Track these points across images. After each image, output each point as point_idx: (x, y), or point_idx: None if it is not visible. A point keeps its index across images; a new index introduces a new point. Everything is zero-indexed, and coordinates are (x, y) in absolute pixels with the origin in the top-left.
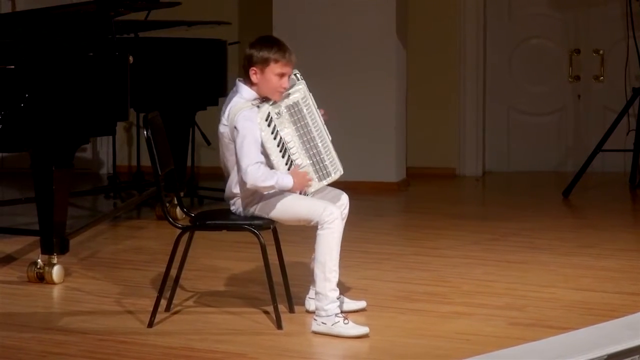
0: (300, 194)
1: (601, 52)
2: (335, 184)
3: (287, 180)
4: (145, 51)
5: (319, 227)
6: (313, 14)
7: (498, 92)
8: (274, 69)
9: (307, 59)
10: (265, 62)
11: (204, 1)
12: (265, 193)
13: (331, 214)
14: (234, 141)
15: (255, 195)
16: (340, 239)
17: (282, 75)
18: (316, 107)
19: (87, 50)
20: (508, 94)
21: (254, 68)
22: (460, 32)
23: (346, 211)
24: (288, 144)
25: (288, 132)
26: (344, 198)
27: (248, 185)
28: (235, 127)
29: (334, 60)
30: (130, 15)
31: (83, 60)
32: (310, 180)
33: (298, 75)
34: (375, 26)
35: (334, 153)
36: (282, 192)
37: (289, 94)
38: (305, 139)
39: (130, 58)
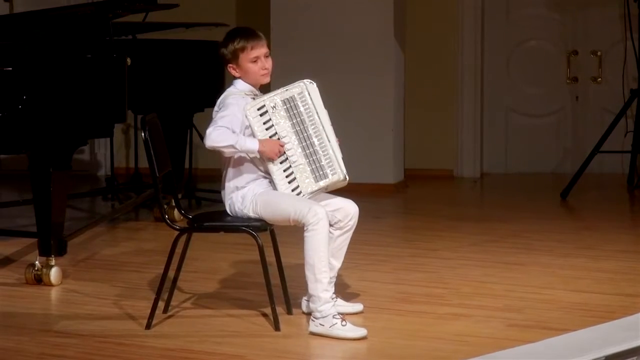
0: (294, 192)
1: (599, 53)
2: (340, 191)
3: (251, 143)
4: (143, 53)
5: (305, 228)
6: (311, 17)
7: (496, 93)
8: (245, 57)
9: (305, 61)
10: (234, 55)
11: (201, 3)
12: (252, 188)
13: (315, 215)
14: None
15: (247, 195)
16: (327, 239)
17: (256, 59)
18: (322, 114)
19: (85, 52)
20: (506, 95)
21: (231, 65)
22: (458, 34)
23: (352, 222)
24: (283, 139)
25: (284, 127)
26: (353, 209)
27: (207, 146)
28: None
29: (332, 63)
30: (128, 17)
31: (81, 62)
32: (282, 150)
33: (309, 81)
34: (373, 29)
35: (333, 156)
36: (268, 191)
37: (286, 89)
38: (302, 136)
39: (128, 60)
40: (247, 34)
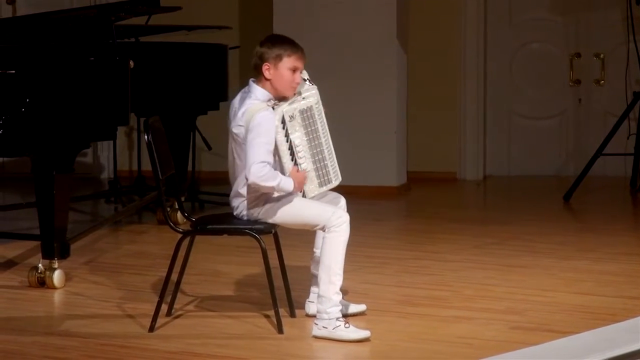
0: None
1: (602, 56)
2: (336, 188)
3: (288, 184)
4: (146, 56)
5: (327, 230)
6: (314, 19)
7: (499, 96)
8: (287, 63)
9: (308, 64)
10: (278, 57)
11: (204, 6)
12: (271, 195)
13: (339, 218)
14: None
15: (260, 199)
16: (346, 244)
17: (295, 69)
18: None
19: (88, 54)
20: (509, 98)
21: (267, 64)
22: (461, 37)
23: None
24: (297, 148)
25: (298, 136)
26: (342, 201)
27: (249, 182)
28: (250, 126)
29: (335, 65)
30: (131, 20)
31: (84, 65)
32: (306, 178)
33: (308, 81)
34: (376, 31)
35: (336, 162)
36: (286, 196)
37: (303, 97)
38: (313, 144)
39: (131, 62)
40: (296, 45)
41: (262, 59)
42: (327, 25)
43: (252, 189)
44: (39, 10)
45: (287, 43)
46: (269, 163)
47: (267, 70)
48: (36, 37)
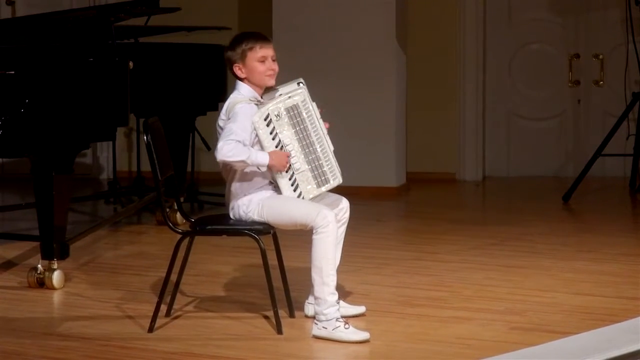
0: (298, 197)
1: (601, 56)
2: (335, 189)
3: (262, 157)
4: (145, 56)
5: (314, 231)
6: (313, 19)
7: (498, 97)
8: (252, 56)
9: (307, 64)
10: (242, 54)
11: (203, 7)
12: (256, 190)
13: (324, 218)
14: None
15: (252, 200)
16: (336, 243)
17: (263, 58)
18: (318, 115)
19: (87, 55)
20: (508, 98)
21: (237, 65)
22: (460, 37)
23: (347, 215)
24: (287, 147)
25: (287, 135)
26: (344, 202)
27: (218, 160)
28: (230, 116)
29: (334, 65)
30: (130, 21)
31: (83, 66)
32: (287, 163)
33: (301, 84)
34: (375, 31)
35: (333, 161)
36: (274, 195)
37: (289, 96)
38: (305, 143)
39: (130, 63)
40: (255, 35)
41: (230, 62)
42: (326, 25)
43: (240, 191)
44: (38, 11)
45: (245, 38)
46: (239, 142)
47: (239, 70)
48: (36, 37)
